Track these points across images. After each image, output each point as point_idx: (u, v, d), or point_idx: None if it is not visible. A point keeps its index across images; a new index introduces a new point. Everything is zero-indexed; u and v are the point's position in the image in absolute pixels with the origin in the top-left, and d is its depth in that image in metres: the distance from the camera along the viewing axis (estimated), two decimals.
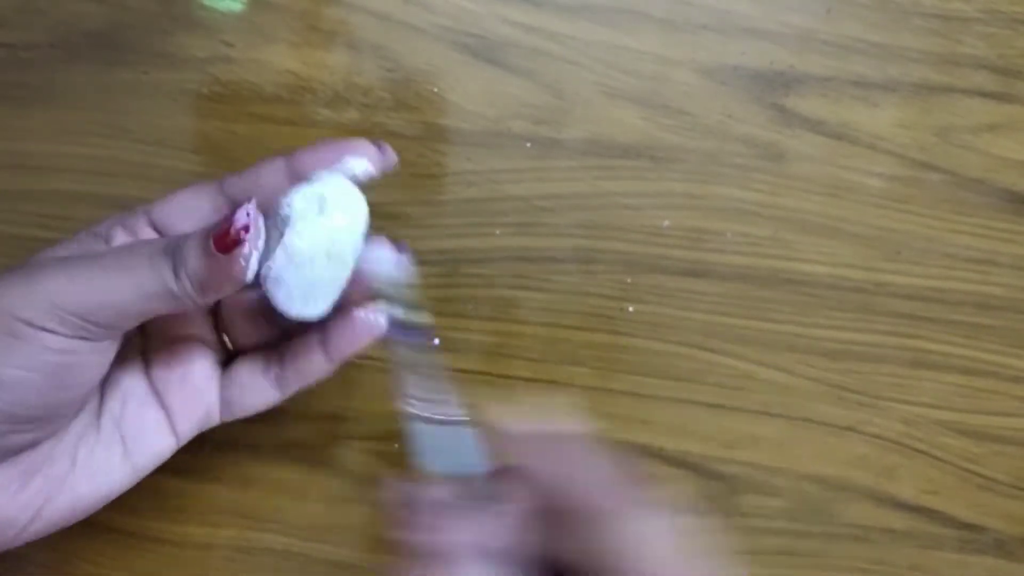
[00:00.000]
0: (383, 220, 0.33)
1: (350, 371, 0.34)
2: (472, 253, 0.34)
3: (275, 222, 0.24)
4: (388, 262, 0.25)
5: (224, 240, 0.23)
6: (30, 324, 0.23)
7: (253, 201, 0.23)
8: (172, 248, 0.24)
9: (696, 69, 0.33)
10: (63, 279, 0.23)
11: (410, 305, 0.25)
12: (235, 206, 0.24)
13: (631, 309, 0.34)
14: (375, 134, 0.33)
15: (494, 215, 0.33)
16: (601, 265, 0.34)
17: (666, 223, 0.34)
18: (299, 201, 0.24)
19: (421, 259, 0.34)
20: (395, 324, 0.25)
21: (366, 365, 0.34)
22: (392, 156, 0.26)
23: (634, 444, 0.35)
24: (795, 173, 0.33)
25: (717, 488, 0.35)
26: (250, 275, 0.23)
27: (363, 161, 0.26)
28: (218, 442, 0.34)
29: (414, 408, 0.22)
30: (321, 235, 0.24)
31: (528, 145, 0.33)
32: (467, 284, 0.34)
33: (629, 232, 0.34)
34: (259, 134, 0.33)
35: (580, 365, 0.34)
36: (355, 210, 0.25)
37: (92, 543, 0.35)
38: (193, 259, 0.23)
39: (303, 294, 0.24)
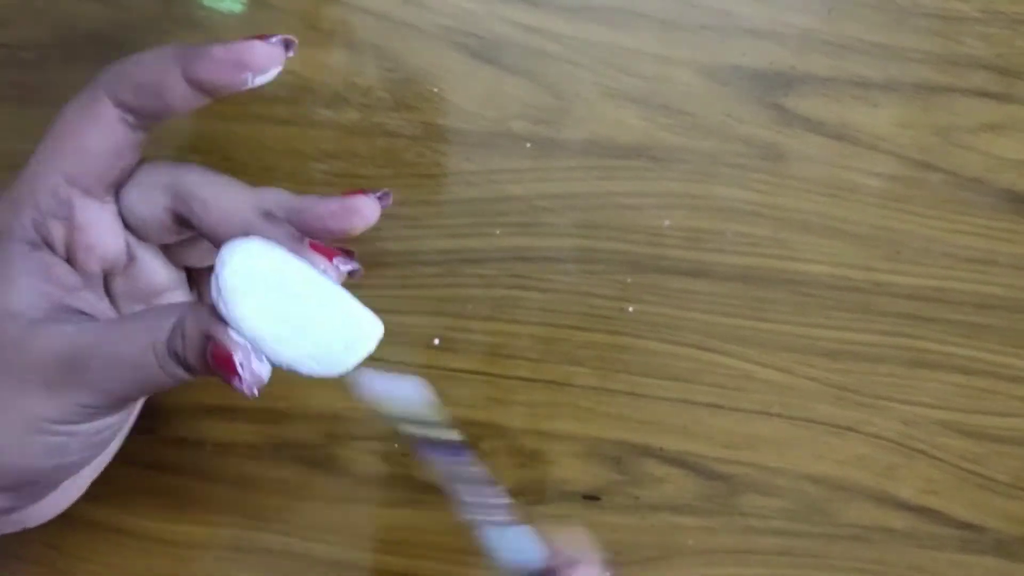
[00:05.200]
0: (382, 220, 0.33)
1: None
2: (472, 253, 0.34)
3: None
4: (406, 393, 0.24)
5: (220, 364, 0.22)
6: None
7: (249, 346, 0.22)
8: (173, 341, 0.23)
9: (696, 69, 0.33)
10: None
11: (438, 425, 0.24)
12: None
13: (631, 309, 0.34)
14: (375, 134, 0.33)
15: (494, 215, 0.33)
16: (601, 265, 0.34)
17: (666, 223, 0.34)
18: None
19: (421, 259, 0.34)
20: (432, 446, 0.24)
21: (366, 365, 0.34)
22: (293, 43, 0.25)
23: (634, 444, 0.35)
24: (795, 173, 0.33)
25: (717, 488, 0.35)
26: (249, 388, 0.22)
27: (272, 68, 0.24)
28: (217, 442, 0.34)
29: (477, 515, 0.22)
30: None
31: (528, 145, 0.33)
32: (467, 284, 0.34)
33: (629, 232, 0.34)
34: (259, 134, 0.33)
35: (580, 365, 0.34)
36: None
37: (92, 543, 0.35)
38: (193, 360, 0.23)
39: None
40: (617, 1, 0.33)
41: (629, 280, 0.34)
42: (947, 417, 0.35)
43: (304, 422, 0.35)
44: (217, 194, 0.25)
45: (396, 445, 0.35)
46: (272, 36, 0.24)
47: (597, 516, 0.35)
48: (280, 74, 0.25)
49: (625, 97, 0.33)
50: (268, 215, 0.25)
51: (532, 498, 0.35)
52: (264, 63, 0.24)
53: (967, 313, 0.34)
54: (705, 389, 0.34)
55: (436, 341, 0.34)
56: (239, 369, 0.21)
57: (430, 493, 0.35)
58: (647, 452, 0.34)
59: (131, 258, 0.27)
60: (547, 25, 0.33)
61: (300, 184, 0.32)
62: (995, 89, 0.33)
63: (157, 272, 0.27)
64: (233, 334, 0.21)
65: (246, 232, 0.24)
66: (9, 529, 0.27)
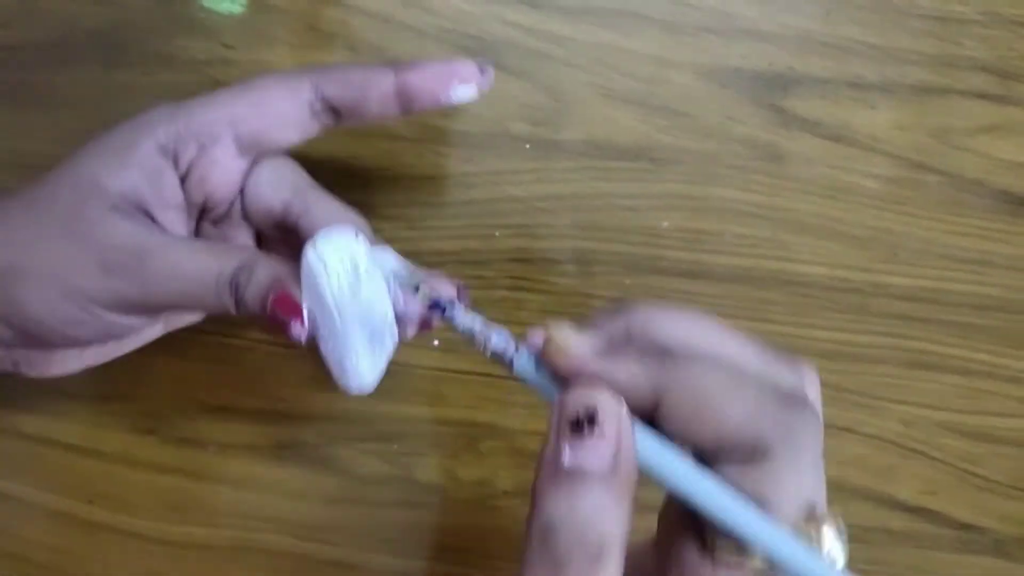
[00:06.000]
0: (383, 221, 0.34)
1: None
2: (472, 254, 0.34)
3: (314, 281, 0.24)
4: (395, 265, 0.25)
5: (282, 309, 0.24)
6: None
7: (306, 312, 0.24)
8: (237, 274, 0.25)
9: (695, 71, 0.33)
10: None
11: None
12: (328, 108, 0.27)
13: None
14: (375, 135, 0.33)
15: (493, 216, 0.34)
16: (600, 266, 0.34)
17: (665, 224, 0.34)
18: (335, 265, 0.23)
19: (421, 260, 0.34)
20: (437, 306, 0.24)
21: None
22: (491, 74, 0.27)
23: None
24: (793, 174, 0.34)
25: None
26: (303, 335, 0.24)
27: (470, 87, 0.27)
28: (217, 442, 0.34)
29: (495, 351, 0.22)
30: (359, 308, 0.24)
31: (527, 147, 0.33)
32: (467, 285, 0.34)
33: (628, 233, 0.34)
34: None
35: None
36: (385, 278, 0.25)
37: (91, 543, 0.35)
38: (250, 299, 0.25)
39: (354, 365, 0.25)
40: (616, 3, 0.33)
41: (628, 281, 0.34)
42: (945, 418, 0.35)
43: (304, 422, 0.35)
44: (327, 214, 0.27)
45: (395, 446, 0.35)
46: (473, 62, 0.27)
47: None
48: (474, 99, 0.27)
49: (624, 99, 0.33)
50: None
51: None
52: (470, 78, 0.27)
53: (964, 314, 0.34)
54: None
55: (436, 342, 0.34)
56: (304, 315, 0.24)
57: (430, 493, 0.35)
58: None
59: (228, 215, 0.29)
60: (546, 27, 0.33)
61: None
62: (993, 91, 0.33)
63: (239, 236, 0.29)
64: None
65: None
66: None
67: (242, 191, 0.28)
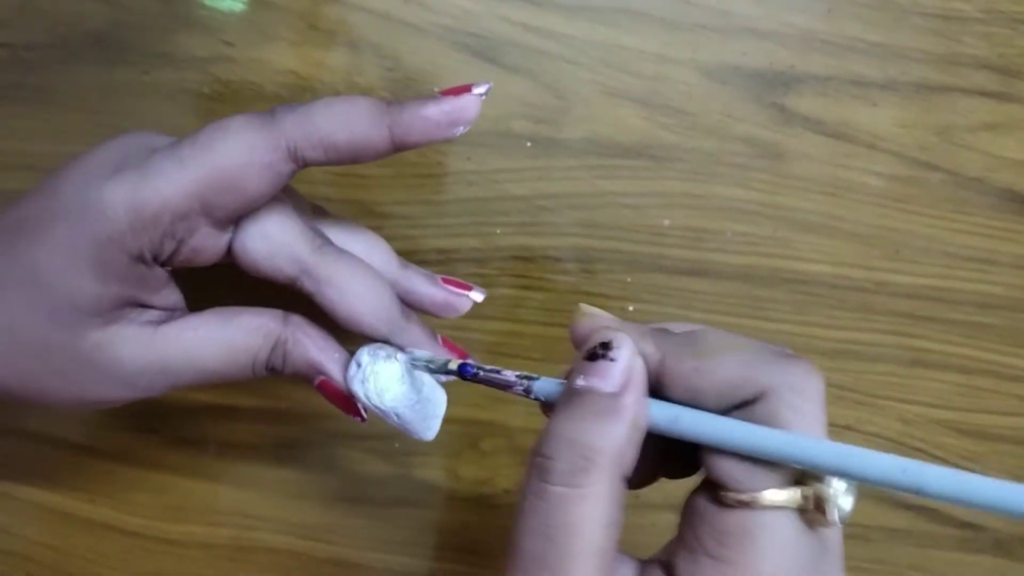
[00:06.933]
0: (383, 219, 0.34)
1: None
2: (472, 252, 0.34)
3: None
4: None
5: (334, 398, 0.27)
6: None
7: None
8: (272, 361, 0.26)
9: (696, 69, 0.33)
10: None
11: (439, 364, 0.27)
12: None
13: (631, 308, 0.34)
14: None
15: (494, 214, 0.33)
16: (601, 264, 0.34)
17: (666, 222, 0.34)
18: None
19: (422, 259, 0.34)
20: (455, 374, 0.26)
21: None
22: (486, 88, 0.25)
23: None
24: (795, 172, 0.33)
25: None
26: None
27: (470, 119, 0.25)
28: (218, 442, 0.34)
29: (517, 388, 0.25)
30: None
31: (528, 144, 0.33)
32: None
33: (629, 231, 0.34)
34: None
35: None
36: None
37: (93, 542, 0.35)
38: (290, 374, 0.27)
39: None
40: (617, 1, 0.33)
41: (629, 279, 0.34)
42: (946, 416, 0.35)
43: (304, 422, 0.35)
44: (355, 289, 0.25)
45: (396, 444, 0.35)
46: (475, 85, 0.25)
47: None
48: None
49: (625, 96, 0.33)
50: (401, 314, 0.26)
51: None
52: (474, 116, 0.25)
53: (966, 312, 0.34)
54: None
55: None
56: (362, 411, 0.27)
57: (431, 492, 0.35)
58: None
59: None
60: (547, 25, 0.33)
61: (301, 184, 0.32)
62: (995, 89, 0.33)
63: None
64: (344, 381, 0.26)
65: (382, 326, 0.26)
66: None
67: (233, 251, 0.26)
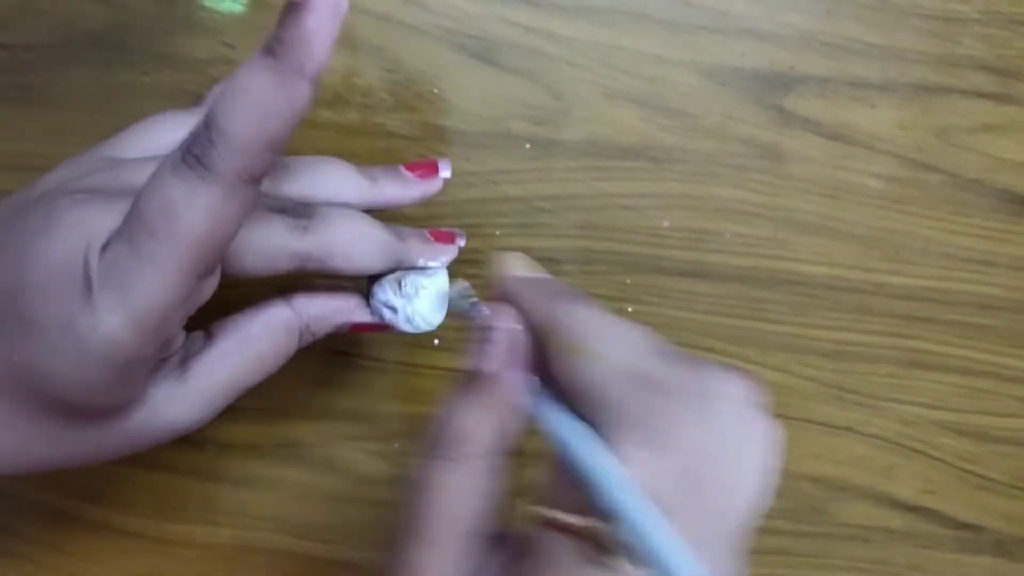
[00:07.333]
0: (382, 220, 0.34)
1: (351, 371, 0.34)
2: (471, 254, 0.34)
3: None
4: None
5: (366, 329, 0.29)
6: None
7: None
8: (304, 335, 0.28)
9: (695, 70, 0.33)
10: None
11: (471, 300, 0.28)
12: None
13: (630, 310, 0.34)
14: (375, 135, 0.33)
15: (493, 216, 0.33)
16: (600, 266, 0.34)
17: (665, 224, 0.34)
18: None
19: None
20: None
21: (366, 365, 0.34)
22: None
23: None
24: (794, 174, 0.34)
25: None
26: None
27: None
28: (218, 442, 0.34)
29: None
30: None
31: (527, 146, 0.33)
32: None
33: (628, 233, 0.34)
34: None
35: None
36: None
37: (92, 543, 0.35)
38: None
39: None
40: (617, 2, 0.33)
41: (628, 281, 0.34)
42: (945, 417, 0.35)
43: (304, 422, 0.35)
44: (356, 249, 0.26)
45: (396, 445, 0.35)
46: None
47: None
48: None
49: (624, 98, 0.33)
50: (398, 239, 0.28)
51: (533, 498, 0.35)
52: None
53: (966, 314, 0.34)
54: None
55: (436, 341, 0.34)
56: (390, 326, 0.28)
57: None
58: None
59: None
60: (547, 26, 0.33)
61: None
62: (994, 90, 0.33)
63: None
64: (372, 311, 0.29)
65: (389, 263, 0.28)
66: None
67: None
